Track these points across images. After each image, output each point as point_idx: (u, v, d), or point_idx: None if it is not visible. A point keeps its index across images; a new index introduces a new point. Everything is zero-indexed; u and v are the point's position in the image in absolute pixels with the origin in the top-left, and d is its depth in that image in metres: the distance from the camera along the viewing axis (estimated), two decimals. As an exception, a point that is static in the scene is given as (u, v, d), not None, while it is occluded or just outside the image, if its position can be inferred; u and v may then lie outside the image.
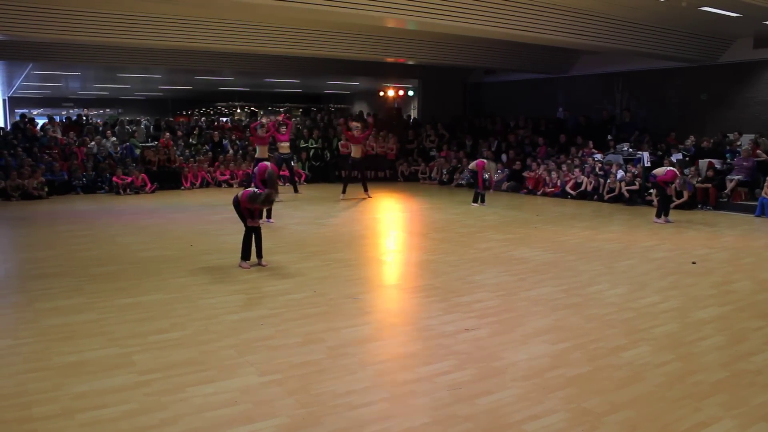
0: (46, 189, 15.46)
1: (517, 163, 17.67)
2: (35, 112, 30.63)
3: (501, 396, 4.10)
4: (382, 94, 26.83)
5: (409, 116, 26.11)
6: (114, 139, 18.95)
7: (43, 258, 8.39)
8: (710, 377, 4.45)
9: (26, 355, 4.76)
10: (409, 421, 3.76)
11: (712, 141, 15.16)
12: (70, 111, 29.20)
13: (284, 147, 15.57)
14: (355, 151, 14.84)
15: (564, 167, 16.22)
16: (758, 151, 14.11)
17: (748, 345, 5.14)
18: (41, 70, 22.37)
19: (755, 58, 15.40)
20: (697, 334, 5.38)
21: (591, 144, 16.89)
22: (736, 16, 12.42)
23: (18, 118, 20.77)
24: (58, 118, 21.99)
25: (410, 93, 26.20)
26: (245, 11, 12.83)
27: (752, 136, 14.63)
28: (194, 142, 19.48)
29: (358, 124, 15.82)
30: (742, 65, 15.74)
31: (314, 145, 19.98)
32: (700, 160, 14.51)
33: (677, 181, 11.53)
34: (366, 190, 15.09)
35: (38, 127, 19.30)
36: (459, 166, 19.08)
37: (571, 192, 15.50)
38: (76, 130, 19.58)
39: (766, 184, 12.76)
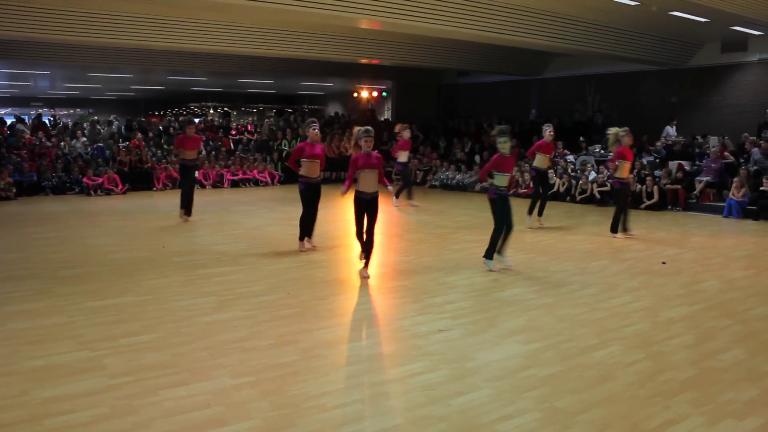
0: (14, 190, 15.20)
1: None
2: (2, 112, 30.10)
3: (474, 396, 4.12)
4: (356, 95, 26.86)
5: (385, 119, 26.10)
6: (84, 139, 18.69)
7: (10, 260, 8.25)
8: (679, 375, 4.52)
9: (-7, 360, 4.68)
10: (383, 422, 3.77)
11: (681, 143, 15.40)
12: (39, 110, 28.77)
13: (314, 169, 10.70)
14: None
15: (537, 168, 16.33)
16: (726, 153, 14.37)
17: (715, 343, 5.23)
18: (8, 68, 21.99)
19: (723, 62, 15.73)
20: (666, 333, 5.46)
21: (560, 145, 17.05)
22: (705, 21, 12.65)
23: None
24: (26, 118, 21.64)
25: (384, 94, 26.24)
26: (218, 11, 12.75)
27: (719, 138, 14.92)
28: (165, 145, 19.26)
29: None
30: (710, 69, 16.05)
31: (286, 147, 19.91)
32: (670, 162, 14.73)
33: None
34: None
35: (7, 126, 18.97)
36: (432, 167, 19.15)
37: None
38: (45, 130, 19.30)
39: (733, 185, 13.00)
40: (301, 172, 8.75)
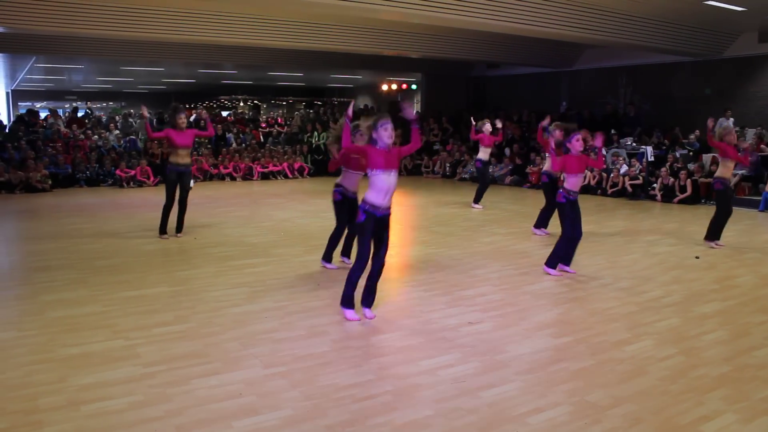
0: (50, 182, 15.50)
1: (518, 159, 17.67)
2: (38, 105, 30.66)
3: (504, 389, 4.12)
4: (385, 87, 26.84)
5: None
6: (117, 132, 18.97)
7: (47, 250, 8.42)
8: (713, 371, 4.45)
9: (31, 347, 4.78)
10: (413, 413, 3.78)
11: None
12: (74, 104, 29.24)
13: None
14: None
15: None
16: (762, 146, 14.08)
17: (750, 340, 5.14)
18: (45, 63, 22.36)
19: (760, 52, 15.37)
20: (699, 329, 5.39)
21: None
22: (741, 10, 12.38)
23: (23, 111, 20.81)
24: (61, 112, 22.01)
25: (413, 87, 26.19)
26: (249, 4, 12.81)
27: (756, 130, 14.62)
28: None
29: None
30: (746, 60, 15.71)
31: (317, 140, 20.01)
32: (704, 155, 14.48)
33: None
34: None
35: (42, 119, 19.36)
36: (462, 159, 19.09)
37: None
38: (80, 123, 19.63)
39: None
40: (340, 180, 7.30)
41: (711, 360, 4.67)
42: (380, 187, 5.25)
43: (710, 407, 3.90)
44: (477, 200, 12.79)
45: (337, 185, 7.25)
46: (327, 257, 7.56)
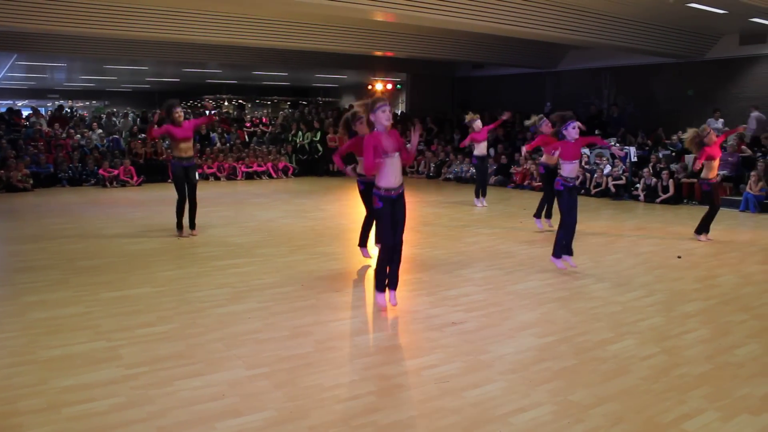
0: (31, 181, 15.35)
1: (503, 157, 17.72)
2: (20, 104, 30.36)
3: (488, 389, 4.13)
4: (370, 87, 26.83)
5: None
6: (100, 131, 18.83)
7: (28, 251, 8.34)
8: (694, 370, 4.49)
9: (12, 349, 4.73)
10: (396, 414, 3.78)
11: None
12: (58, 102, 28.97)
13: None
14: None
15: (551, 162, 16.25)
16: (743, 147, 14.23)
17: (731, 338, 5.19)
18: (26, 60, 22.14)
19: (741, 54, 15.55)
20: (681, 328, 5.43)
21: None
22: (723, 13, 12.51)
23: (3, 110, 20.56)
24: (43, 110, 21.80)
25: (398, 87, 26.20)
26: (234, 4, 12.77)
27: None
28: None
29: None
30: (728, 61, 15.88)
31: (301, 140, 19.96)
32: (686, 156, 14.60)
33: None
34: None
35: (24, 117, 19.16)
36: (447, 160, 19.12)
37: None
38: (62, 122, 19.46)
39: (750, 179, 12.87)
40: (359, 170, 7.28)
41: (693, 359, 4.71)
42: (387, 171, 5.45)
43: (692, 405, 3.93)
44: (483, 195, 12.87)
45: (359, 175, 7.35)
46: (362, 243, 7.81)
